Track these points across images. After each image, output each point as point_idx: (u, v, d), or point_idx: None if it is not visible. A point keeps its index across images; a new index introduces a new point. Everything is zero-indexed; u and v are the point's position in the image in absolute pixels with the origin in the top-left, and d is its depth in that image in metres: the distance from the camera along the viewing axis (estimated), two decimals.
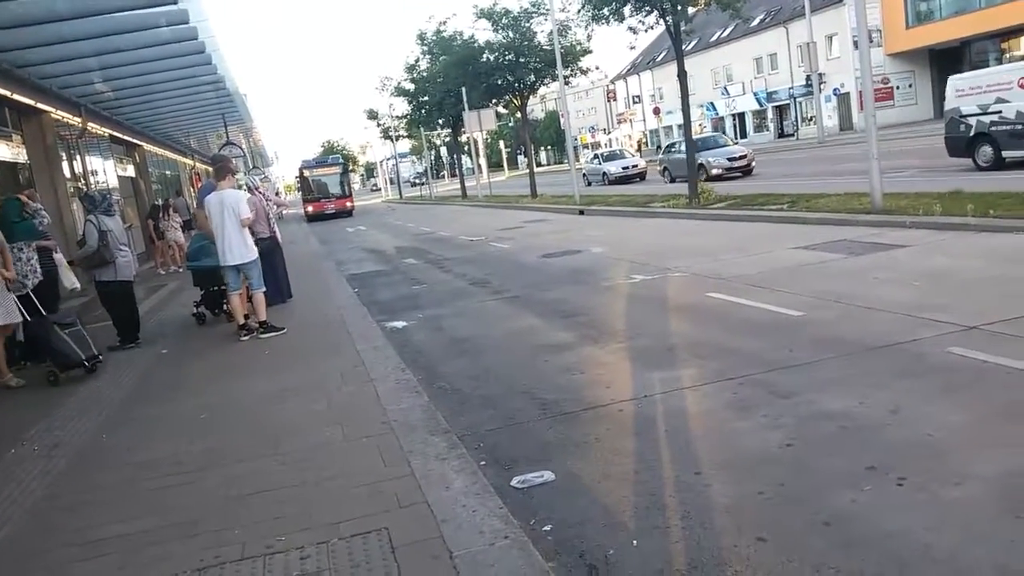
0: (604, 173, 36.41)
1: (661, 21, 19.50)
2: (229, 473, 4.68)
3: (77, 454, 5.52)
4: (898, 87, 50.19)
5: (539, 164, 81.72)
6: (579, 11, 19.78)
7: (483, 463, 4.50)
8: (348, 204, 42.26)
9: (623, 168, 36.28)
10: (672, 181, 29.87)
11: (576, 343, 7.33)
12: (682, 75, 19.65)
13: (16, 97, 13.43)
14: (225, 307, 10.28)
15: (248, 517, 3.98)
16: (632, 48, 34.53)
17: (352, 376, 6.60)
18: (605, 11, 19.78)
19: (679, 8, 18.53)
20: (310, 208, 41.88)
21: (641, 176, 35.44)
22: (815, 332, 6.53)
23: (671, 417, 5.01)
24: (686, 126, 20.21)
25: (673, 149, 32.23)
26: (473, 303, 10.45)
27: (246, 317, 9.29)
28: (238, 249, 8.80)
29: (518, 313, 9.28)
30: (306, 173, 42.89)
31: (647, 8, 19.51)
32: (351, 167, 50.47)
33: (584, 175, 37.71)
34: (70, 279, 9.87)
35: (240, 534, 3.79)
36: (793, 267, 9.67)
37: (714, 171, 27.76)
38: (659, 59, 69.20)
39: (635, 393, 5.53)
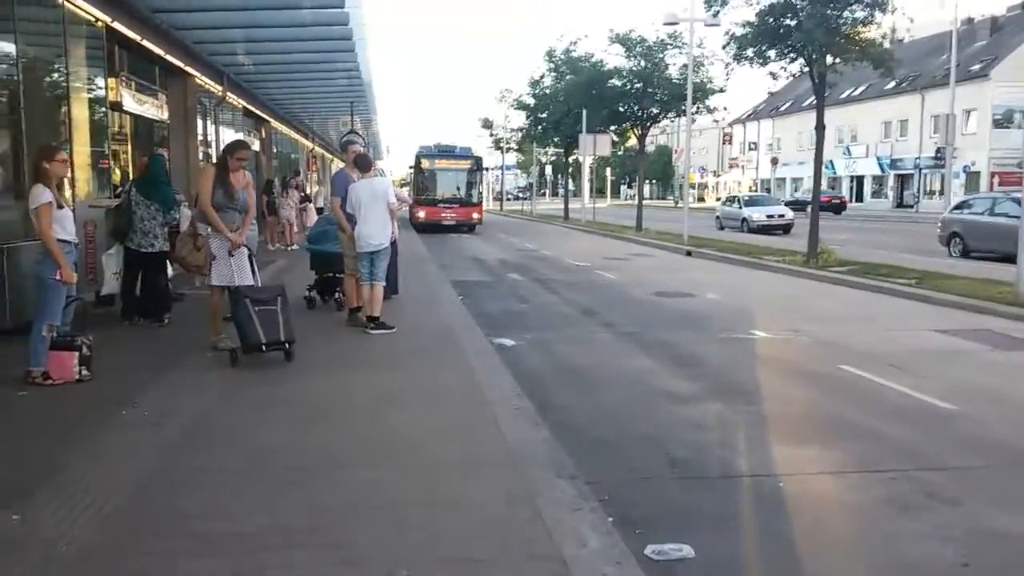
0: (744, 219, 32.07)
1: (805, 69, 18.83)
2: (347, 478, 4.45)
3: (191, 426, 5.41)
4: None
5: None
6: (724, 47, 19.23)
7: (611, 519, 4.15)
8: (475, 215, 31.93)
9: (768, 216, 31.55)
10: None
11: (699, 396, 6.91)
12: (820, 128, 18.89)
13: (168, 57, 13.85)
14: (337, 295, 10.23)
15: (367, 535, 3.73)
16: (771, 94, 33.72)
17: (466, 393, 6.34)
18: (749, 52, 19.20)
19: (827, 58, 17.86)
20: (421, 213, 30.85)
21: (786, 228, 30.75)
22: (972, 431, 5.94)
23: (821, 504, 4.56)
24: (816, 180, 19.43)
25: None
26: (582, 332, 10.12)
27: (357, 309, 9.20)
28: (383, 235, 8.79)
29: (631, 351, 8.89)
30: (424, 164, 32.44)
31: (792, 55, 18.88)
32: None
33: (717, 218, 34.60)
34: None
35: (362, 553, 3.53)
36: (933, 351, 9.00)
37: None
38: (782, 109, 67.80)
39: (775, 467, 5.09)
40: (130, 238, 8.99)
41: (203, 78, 16.39)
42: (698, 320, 10.92)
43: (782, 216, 29.74)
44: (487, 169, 39.60)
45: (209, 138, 18.26)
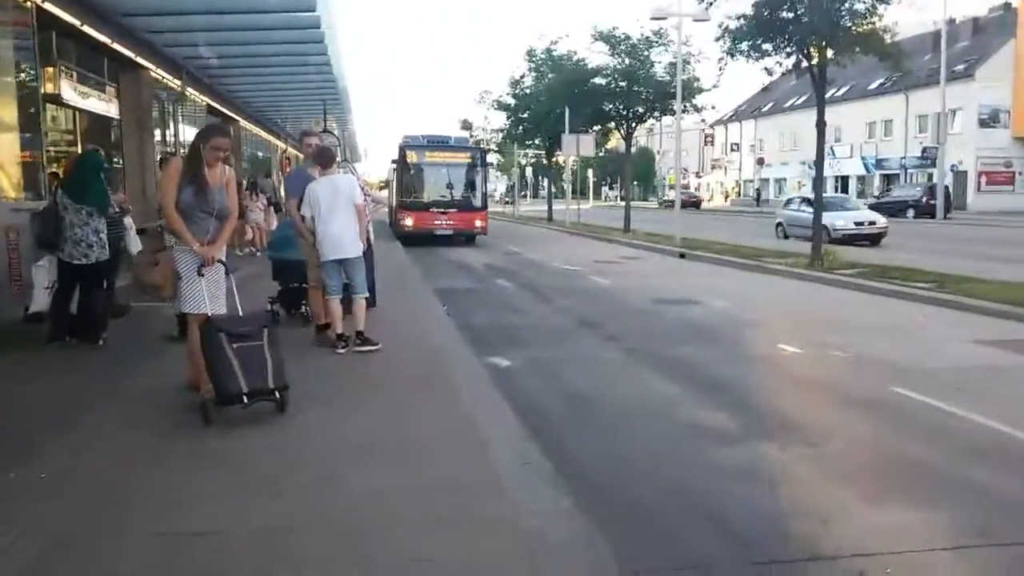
0: (824, 227, 25.95)
1: (803, 64, 17.80)
2: None
3: (96, 497, 4.11)
4: (1020, 173, 47.21)
5: (622, 198, 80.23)
6: (717, 39, 18.12)
7: None
8: (477, 223, 25.02)
9: (856, 224, 24.10)
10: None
11: (741, 434, 5.67)
12: (821, 125, 17.88)
13: (116, 47, 12.48)
14: (304, 308, 8.92)
15: None
16: (765, 90, 32.62)
17: (459, 435, 5.06)
18: (744, 46, 18.11)
19: (827, 53, 16.83)
20: (408, 220, 24.47)
21: (876, 239, 23.84)
22: None
23: None
24: (817, 181, 18.47)
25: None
26: (585, 348, 8.87)
27: (325, 326, 7.92)
28: (351, 242, 7.49)
29: (644, 372, 7.66)
30: (411, 157, 25.18)
31: (789, 49, 17.84)
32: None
33: (779, 225, 27.15)
34: (135, 243, 8.76)
35: None
36: (985, 367, 7.85)
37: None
38: (764, 109, 67.15)
39: (872, 542, 3.85)
40: (61, 248, 7.65)
41: (159, 71, 15.02)
42: (711, 332, 9.72)
43: (873, 223, 23.78)
44: (491, 165, 32.02)
45: (168, 138, 16.87)
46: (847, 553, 3.74)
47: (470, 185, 25.69)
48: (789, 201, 28.92)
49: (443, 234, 24.26)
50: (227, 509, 3.89)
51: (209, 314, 5.48)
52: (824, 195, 27.88)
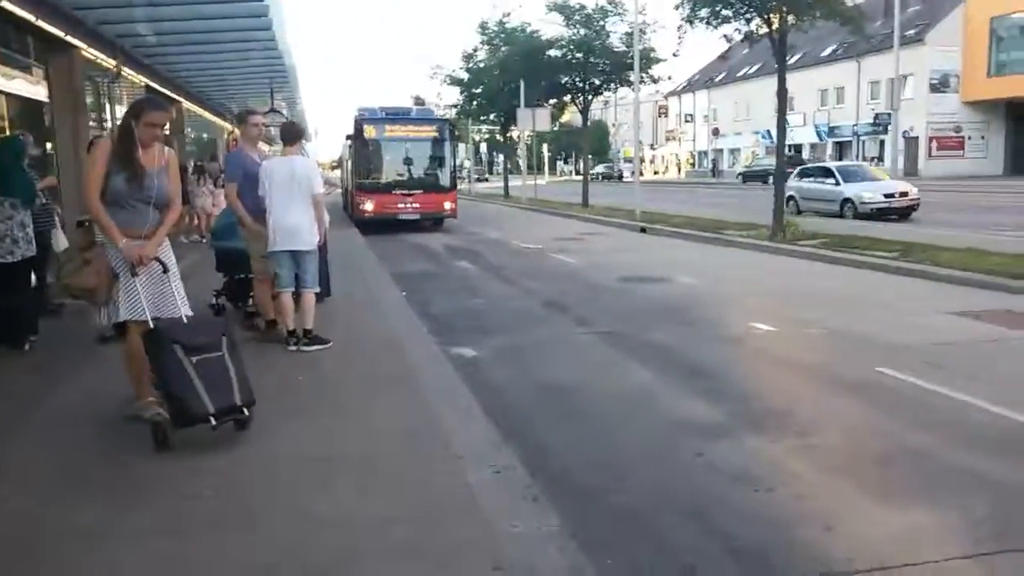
0: (847, 201, 22.05)
1: (762, 30, 17.49)
2: None
3: None
4: (969, 137, 47.82)
5: (578, 172, 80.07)
6: (677, 7, 17.71)
7: None
8: (447, 204, 22.34)
9: (886, 196, 21.61)
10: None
11: (729, 426, 5.31)
12: (782, 93, 17.59)
13: (41, 24, 11.59)
14: (251, 302, 8.35)
15: None
16: (725, 59, 32.23)
17: (426, 444, 4.60)
18: (703, 12, 17.73)
19: (790, 18, 16.55)
20: (367, 204, 21.79)
21: (905, 212, 21.47)
22: None
23: None
24: (779, 149, 18.19)
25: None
26: (555, 334, 8.46)
27: (273, 322, 7.40)
28: (307, 232, 6.92)
29: (621, 359, 7.28)
30: (369, 132, 22.20)
31: (748, 15, 17.54)
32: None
33: (792, 198, 23.01)
34: (61, 241, 8.10)
35: None
36: (966, 342, 7.63)
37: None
38: (717, 80, 67.11)
39: (888, 552, 3.50)
40: None
41: (91, 51, 14.10)
42: (682, 312, 9.38)
43: (905, 195, 21.41)
44: (457, 138, 25.46)
45: (106, 122, 15.96)
46: (864, 567, 3.39)
47: (437, 162, 22.81)
48: (804, 171, 26.02)
49: (408, 218, 21.75)
50: (155, 556, 3.39)
51: (151, 322, 4.72)
52: (839, 163, 25.87)
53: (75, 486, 4.12)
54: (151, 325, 4.71)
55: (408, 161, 22.50)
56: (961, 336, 7.86)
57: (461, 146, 47.15)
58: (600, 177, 68.68)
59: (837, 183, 22.93)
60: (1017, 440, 4.95)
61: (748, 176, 51.92)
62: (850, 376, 6.46)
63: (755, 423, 5.33)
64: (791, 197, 23.25)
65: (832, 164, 27.17)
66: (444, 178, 22.69)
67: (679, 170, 76.14)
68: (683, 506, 4.06)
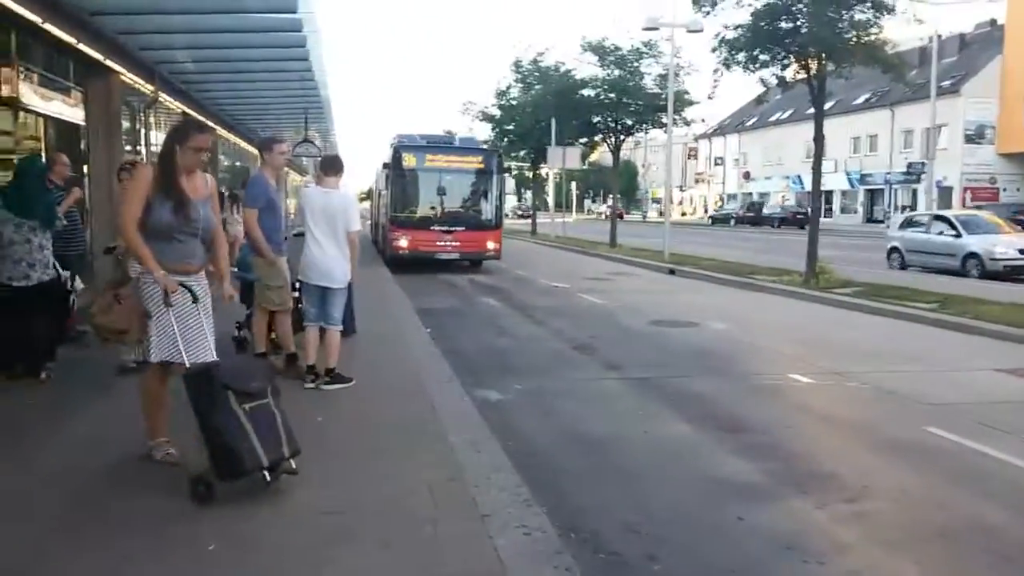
0: (971, 256, 18.69)
1: (799, 75, 17.40)
2: None
3: None
4: (1004, 189, 47.18)
5: (607, 215, 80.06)
6: (713, 50, 17.59)
7: None
8: (490, 244, 20.27)
9: (1020, 252, 18.24)
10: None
11: (772, 489, 4.99)
12: (819, 137, 17.56)
13: (83, 48, 11.66)
14: (274, 336, 8.14)
15: None
16: (761, 103, 32.07)
17: (449, 502, 4.28)
18: (740, 56, 17.60)
19: (828, 63, 16.37)
20: (403, 241, 19.63)
21: None
22: None
23: None
24: (814, 192, 18.08)
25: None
26: (585, 378, 8.19)
27: (295, 356, 7.20)
28: (339, 269, 6.73)
29: (655, 408, 6.98)
30: (408, 161, 20.09)
31: (786, 60, 17.41)
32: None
33: (894, 249, 21.15)
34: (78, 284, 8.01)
35: None
36: (1018, 402, 7.28)
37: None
38: (748, 124, 67.06)
39: None
40: None
41: (130, 75, 14.20)
42: (716, 359, 9.07)
43: None
44: (508, 171, 25.21)
45: (139, 147, 16.05)
46: None
47: (481, 196, 20.74)
48: (911, 221, 22.75)
49: (447, 257, 19.77)
50: None
51: (187, 363, 4.41)
52: (957, 212, 22.35)
53: (70, 536, 3.87)
54: (187, 366, 4.42)
55: (450, 194, 20.39)
56: (1011, 395, 7.51)
57: (508, 180, 45.81)
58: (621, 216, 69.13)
59: (959, 235, 19.33)
60: None
61: (716, 219, 55.33)
62: (897, 435, 6.12)
63: (799, 484, 5.01)
64: (894, 248, 21.25)
65: (949, 213, 23.20)
66: (489, 214, 20.65)
67: (706, 212, 75.92)
68: None
